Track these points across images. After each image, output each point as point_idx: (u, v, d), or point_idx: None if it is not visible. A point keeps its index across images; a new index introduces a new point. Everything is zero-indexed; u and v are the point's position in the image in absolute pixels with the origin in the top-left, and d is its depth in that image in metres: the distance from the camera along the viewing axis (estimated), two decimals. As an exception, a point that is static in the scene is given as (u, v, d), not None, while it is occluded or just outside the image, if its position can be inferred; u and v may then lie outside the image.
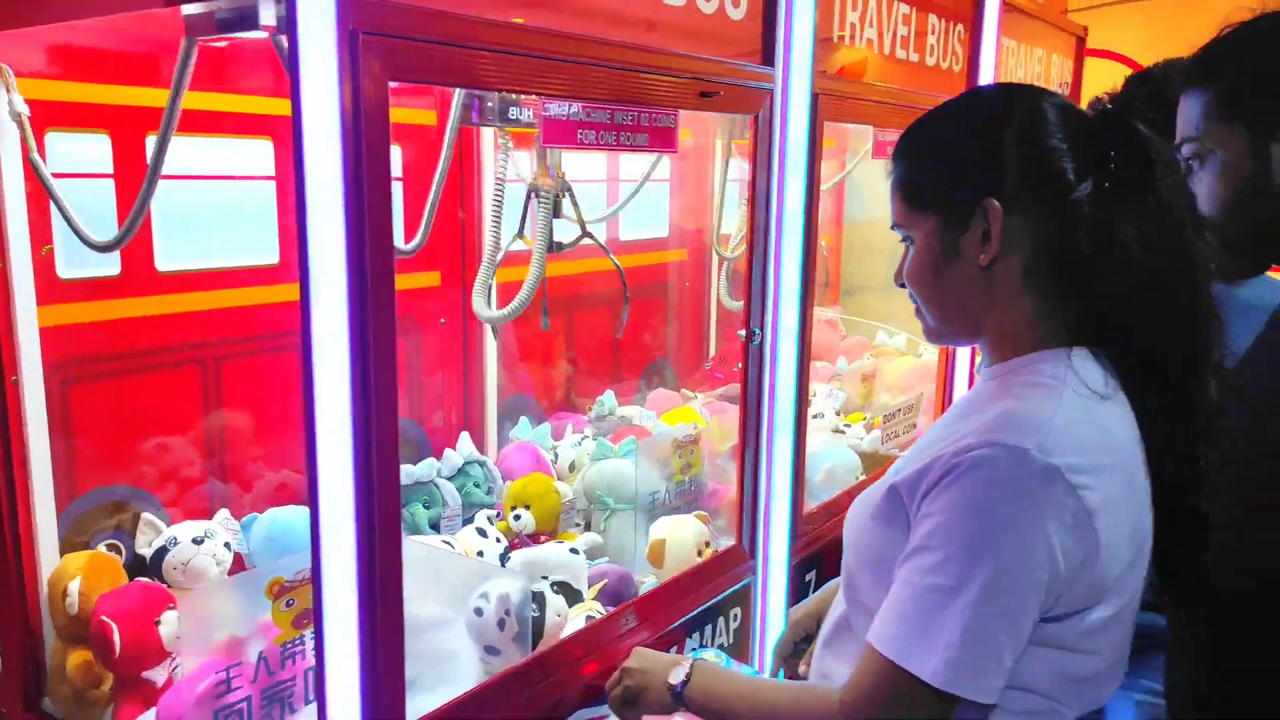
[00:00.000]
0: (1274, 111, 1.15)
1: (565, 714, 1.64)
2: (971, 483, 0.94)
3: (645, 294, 3.24)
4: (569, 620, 1.77)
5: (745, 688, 1.19)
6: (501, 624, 1.60)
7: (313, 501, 1.22)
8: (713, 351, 3.33)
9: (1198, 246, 1.00)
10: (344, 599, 1.24)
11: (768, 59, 1.83)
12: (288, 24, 1.08)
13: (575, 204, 1.83)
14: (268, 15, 1.08)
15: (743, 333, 1.94)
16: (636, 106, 1.54)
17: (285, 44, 1.08)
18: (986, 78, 2.67)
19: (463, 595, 1.67)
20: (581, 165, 2.81)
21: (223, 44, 1.66)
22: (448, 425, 2.57)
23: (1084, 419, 0.97)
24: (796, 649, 1.47)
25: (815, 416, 2.97)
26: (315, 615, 1.25)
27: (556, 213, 1.78)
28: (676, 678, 1.24)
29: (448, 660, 1.70)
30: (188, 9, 1.19)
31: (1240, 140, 1.17)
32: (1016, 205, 1.02)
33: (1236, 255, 1.25)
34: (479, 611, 1.62)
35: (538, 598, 1.66)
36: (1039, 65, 3.15)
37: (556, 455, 2.58)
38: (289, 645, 1.55)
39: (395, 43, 1.14)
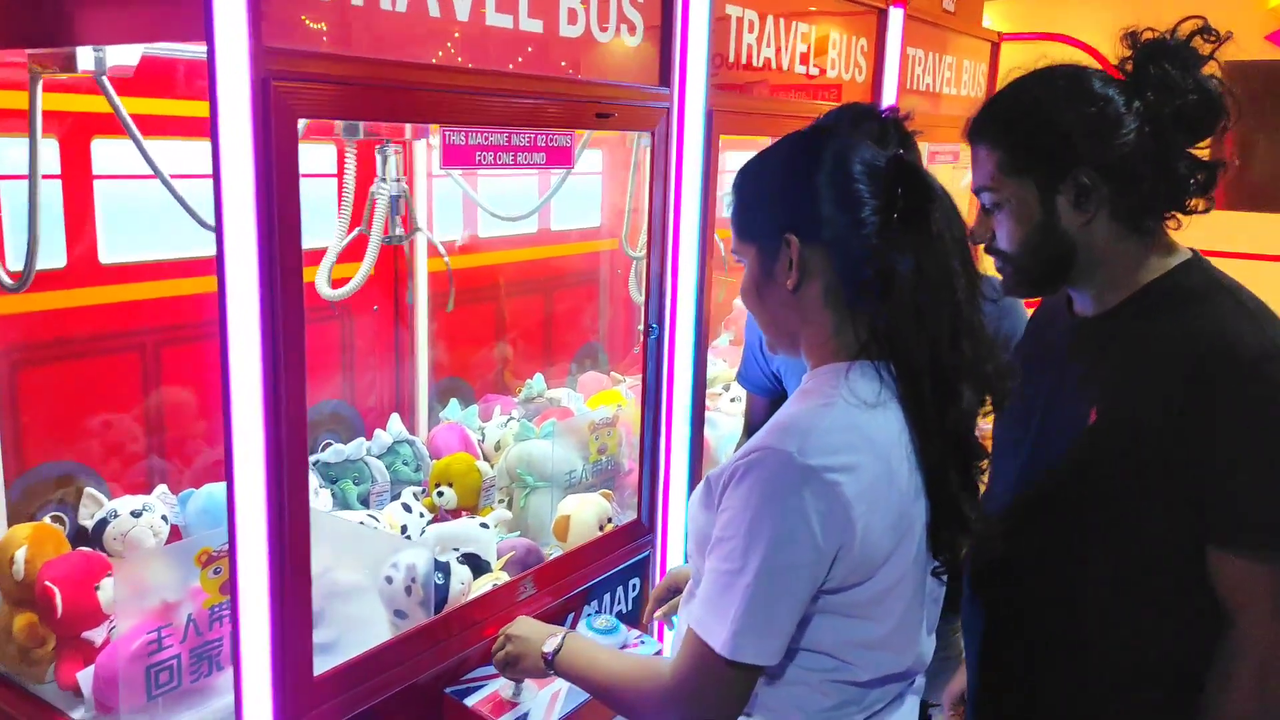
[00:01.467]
0: (1057, 168, 1.33)
1: (467, 671, 1.83)
2: (748, 481, 1.14)
3: (578, 281, 3.41)
4: (476, 589, 1.96)
5: (601, 658, 1.40)
6: (408, 590, 1.78)
7: (229, 476, 1.38)
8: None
9: (962, 276, 1.19)
10: (255, 567, 1.41)
11: (664, 80, 2.01)
12: (209, 71, 1.24)
13: (410, 206, 2.22)
14: (85, 62, 1.31)
15: (641, 327, 2.12)
16: (535, 129, 1.71)
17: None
18: (890, 87, 2.86)
19: (377, 565, 1.85)
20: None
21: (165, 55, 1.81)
22: (380, 407, 2.74)
23: (845, 425, 1.16)
24: (668, 596, 1.72)
25: (734, 400, 3.17)
26: (231, 582, 1.42)
27: (397, 210, 2.13)
28: (550, 647, 1.46)
29: (364, 624, 1.88)
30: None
31: (1030, 192, 1.35)
32: (814, 239, 1.21)
33: (1033, 282, 1.46)
34: (389, 579, 1.80)
35: (444, 567, 1.84)
36: (949, 72, 3.33)
37: (484, 435, 2.76)
38: (216, 609, 1.71)
39: (303, 87, 1.30)
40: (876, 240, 1.18)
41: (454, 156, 1.55)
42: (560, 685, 1.80)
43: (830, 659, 1.21)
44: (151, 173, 1.74)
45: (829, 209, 1.20)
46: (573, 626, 2.00)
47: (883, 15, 2.79)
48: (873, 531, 1.15)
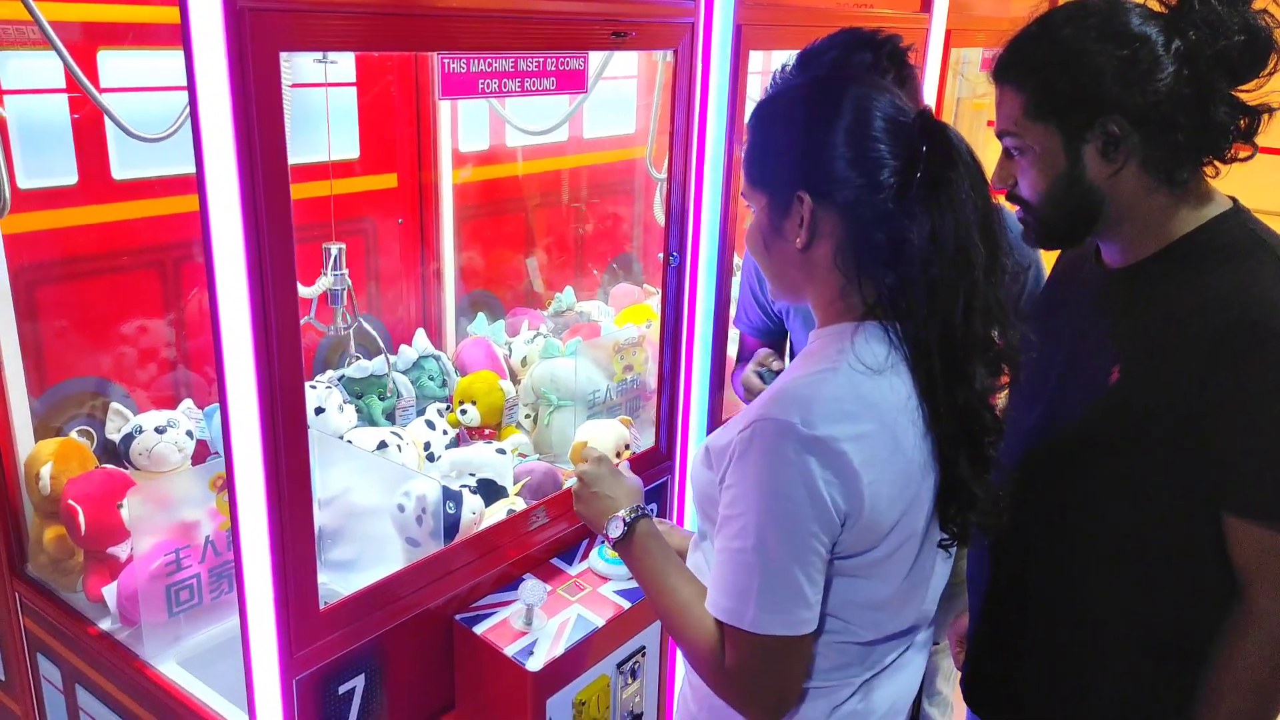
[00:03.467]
0: (1083, 114, 1.23)
1: (479, 598, 1.85)
2: (752, 454, 1.10)
3: (612, 190, 3.31)
4: (491, 514, 1.96)
5: (670, 580, 1.27)
6: (419, 520, 1.79)
7: (223, 410, 1.37)
8: (677, 247, 3.43)
9: (982, 248, 1.11)
10: (253, 501, 1.41)
11: (689, -10, 1.87)
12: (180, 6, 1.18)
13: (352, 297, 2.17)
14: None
15: (661, 255, 2.05)
16: (542, 53, 1.61)
17: None
18: (944, -7, 2.66)
19: (389, 491, 1.86)
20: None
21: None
22: (408, 321, 2.72)
23: (850, 394, 1.11)
24: None
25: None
26: (231, 516, 1.43)
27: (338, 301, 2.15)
28: (615, 531, 1.34)
29: (381, 544, 1.91)
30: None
31: (1055, 139, 1.26)
32: (828, 198, 1.13)
33: (1056, 235, 1.36)
34: (401, 508, 1.81)
35: (455, 496, 1.85)
36: (1015, -32, 3.08)
37: (510, 351, 2.74)
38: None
39: (282, 16, 1.22)
40: (893, 205, 1.10)
41: (454, 86, 1.47)
42: (569, 615, 1.82)
43: (833, 619, 1.18)
44: (156, 86, 1.70)
45: (846, 169, 1.12)
46: (586, 554, 2.01)
47: (940, -92, 2.57)
48: (880, 499, 1.11)
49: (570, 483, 2.13)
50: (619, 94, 3.07)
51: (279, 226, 1.29)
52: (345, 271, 2.03)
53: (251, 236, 1.27)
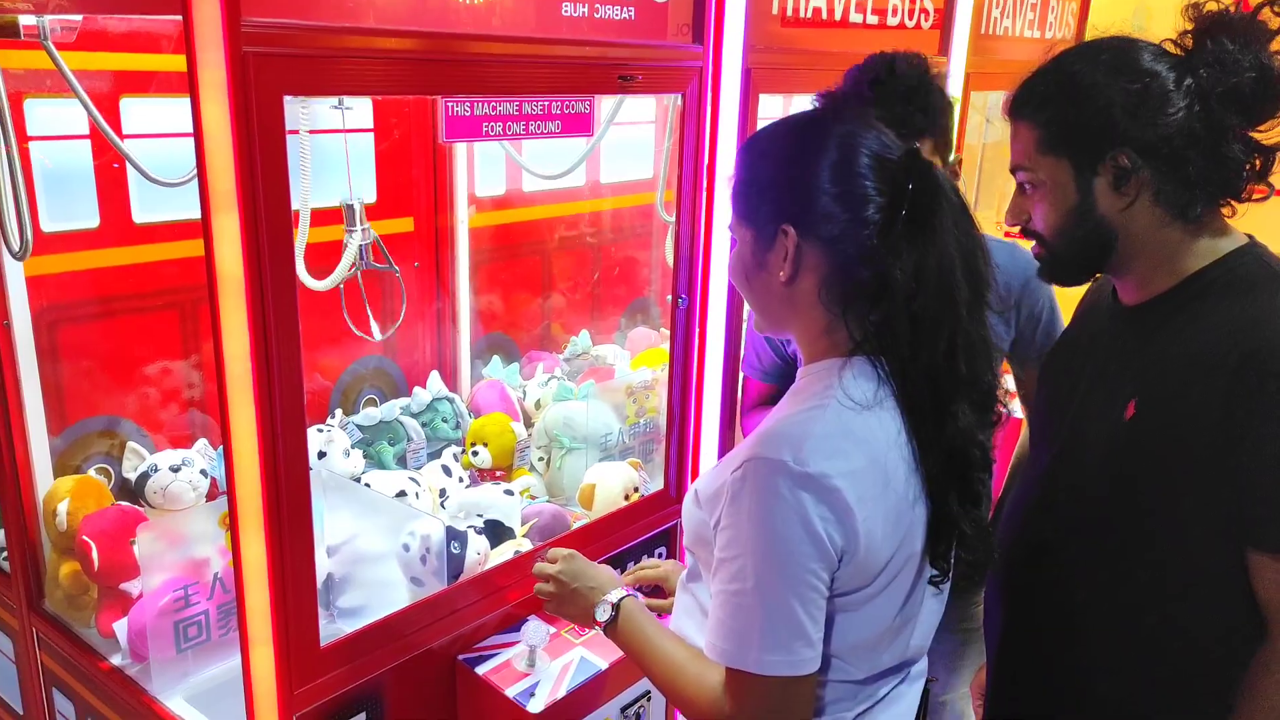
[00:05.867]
0: (1094, 147, 1.24)
1: (483, 638, 1.84)
2: (745, 494, 1.09)
3: (629, 234, 3.33)
4: (497, 555, 1.96)
5: (660, 648, 1.26)
6: (424, 559, 1.79)
7: (225, 440, 1.39)
8: (696, 291, 3.44)
9: (965, 287, 1.10)
10: (255, 541, 1.42)
11: (698, 37, 1.90)
12: (186, 45, 1.21)
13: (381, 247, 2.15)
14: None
15: (670, 297, 2.06)
16: (548, 97, 1.64)
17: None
18: (962, 34, 2.67)
19: (395, 533, 1.87)
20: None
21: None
22: (424, 363, 2.74)
23: (840, 431, 1.10)
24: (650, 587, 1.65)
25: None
26: (234, 555, 1.44)
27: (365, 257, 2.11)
28: (603, 616, 1.35)
29: (389, 588, 1.91)
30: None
31: (1067, 172, 1.27)
32: (812, 233, 1.13)
33: (1069, 269, 1.36)
34: (406, 548, 1.82)
35: (460, 536, 1.84)
36: (1033, 12, 3.10)
37: (525, 394, 2.75)
38: (240, 568, 1.76)
39: (285, 60, 1.26)
40: (877, 241, 1.10)
41: (457, 129, 1.50)
42: (572, 657, 1.80)
43: (828, 658, 1.16)
44: (177, 132, 1.74)
45: (831, 204, 1.12)
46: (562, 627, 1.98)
47: (953, -46, 2.60)
48: (874, 536, 1.10)
49: (579, 524, 2.14)
50: (636, 139, 3.10)
51: (282, 269, 1.31)
52: (368, 225, 2.06)
53: (254, 278, 1.29)
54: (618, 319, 3.32)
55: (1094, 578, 1.35)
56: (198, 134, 1.25)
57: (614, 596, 1.36)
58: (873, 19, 2.38)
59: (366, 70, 1.35)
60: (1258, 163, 1.22)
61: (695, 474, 2.20)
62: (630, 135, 3.13)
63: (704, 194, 2.01)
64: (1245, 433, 1.16)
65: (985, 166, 4.13)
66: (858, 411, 1.11)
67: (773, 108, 3.32)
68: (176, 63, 2.04)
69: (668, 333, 3.26)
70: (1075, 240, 1.30)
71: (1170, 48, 1.26)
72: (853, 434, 1.10)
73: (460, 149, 2.58)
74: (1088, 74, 1.25)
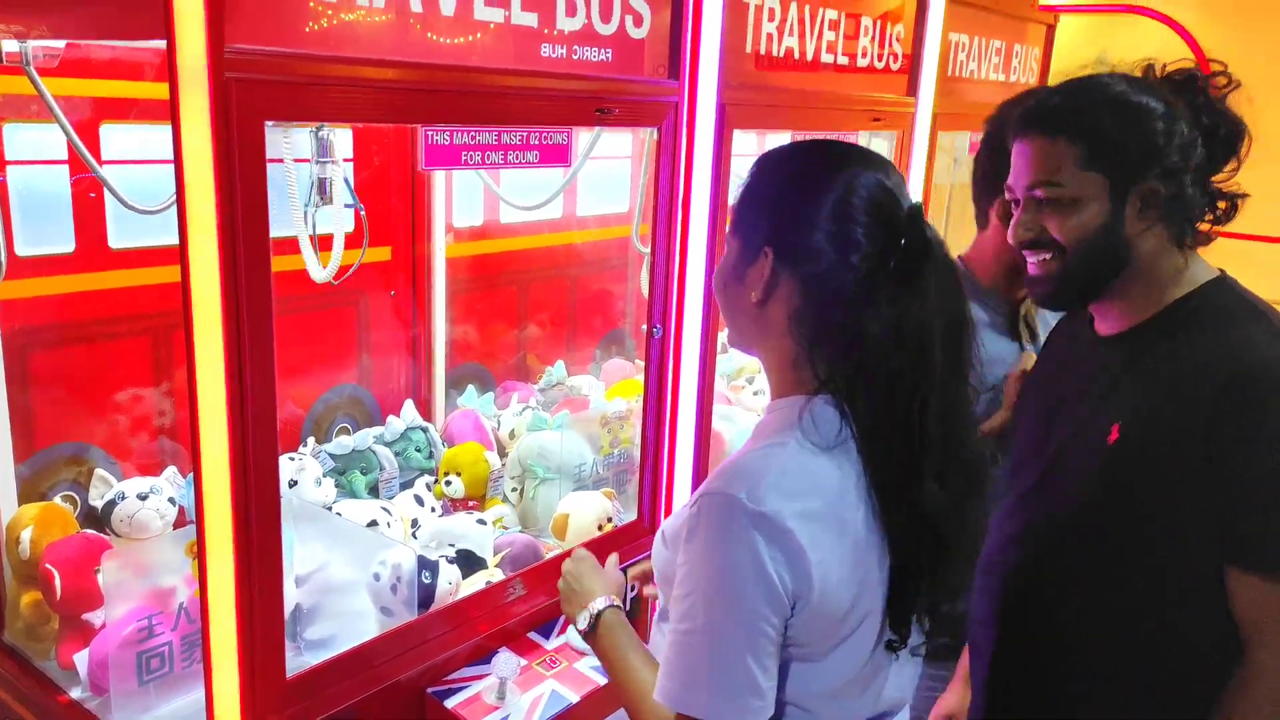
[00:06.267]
0: (1134, 171, 1.28)
1: (454, 670, 1.82)
2: (699, 530, 1.07)
3: (605, 266, 3.36)
4: (469, 585, 1.95)
5: (630, 663, 1.25)
6: (394, 589, 1.78)
7: (195, 468, 1.38)
8: (670, 324, 3.46)
9: (939, 350, 1.09)
10: (222, 569, 1.41)
11: (674, 72, 1.94)
12: (169, 70, 1.22)
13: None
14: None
15: (644, 327, 2.07)
16: (527, 128, 1.66)
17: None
18: (929, 75, 2.74)
19: (366, 562, 1.85)
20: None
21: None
22: (399, 392, 2.74)
23: (798, 470, 1.08)
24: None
25: (757, 393, 3.11)
26: (201, 583, 1.43)
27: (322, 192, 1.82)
28: (583, 623, 1.34)
29: (357, 620, 1.89)
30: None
31: (1103, 189, 1.30)
32: (791, 263, 1.12)
33: (1076, 286, 1.37)
34: (376, 577, 1.80)
35: (432, 566, 1.83)
36: (997, 57, 3.18)
37: (499, 423, 2.75)
38: (207, 598, 1.73)
39: (267, 86, 1.27)
40: (856, 288, 1.09)
41: (436, 157, 1.52)
42: (543, 690, 1.79)
43: (793, 708, 1.14)
44: (156, 159, 1.74)
45: (818, 240, 1.10)
46: (564, 629, 1.98)
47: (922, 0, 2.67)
48: (829, 582, 1.07)
49: (552, 554, 2.13)
50: (613, 172, 3.14)
51: (258, 293, 1.32)
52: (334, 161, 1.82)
53: (230, 302, 1.29)
54: (593, 350, 3.33)
55: (1086, 589, 1.37)
56: (178, 158, 1.25)
57: (597, 606, 1.33)
58: (843, 60, 2.44)
59: (348, 98, 1.36)
60: (1224, 206, 1.31)
61: (669, 504, 2.20)
62: (607, 169, 3.17)
63: (679, 226, 2.03)
64: (1229, 454, 1.20)
65: (953, 208, 4.20)
66: (816, 453, 1.09)
67: (747, 144, 3.38)
68: (156, 90, 2.05)
69: (643, 364, 3.28)
70: (1094, 256, 1.32)
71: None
72: (811, 474, 1.08)
73: (439, 179, 2.60)
74: (1134, 96, 1.29)
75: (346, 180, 1.82)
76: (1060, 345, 1.57)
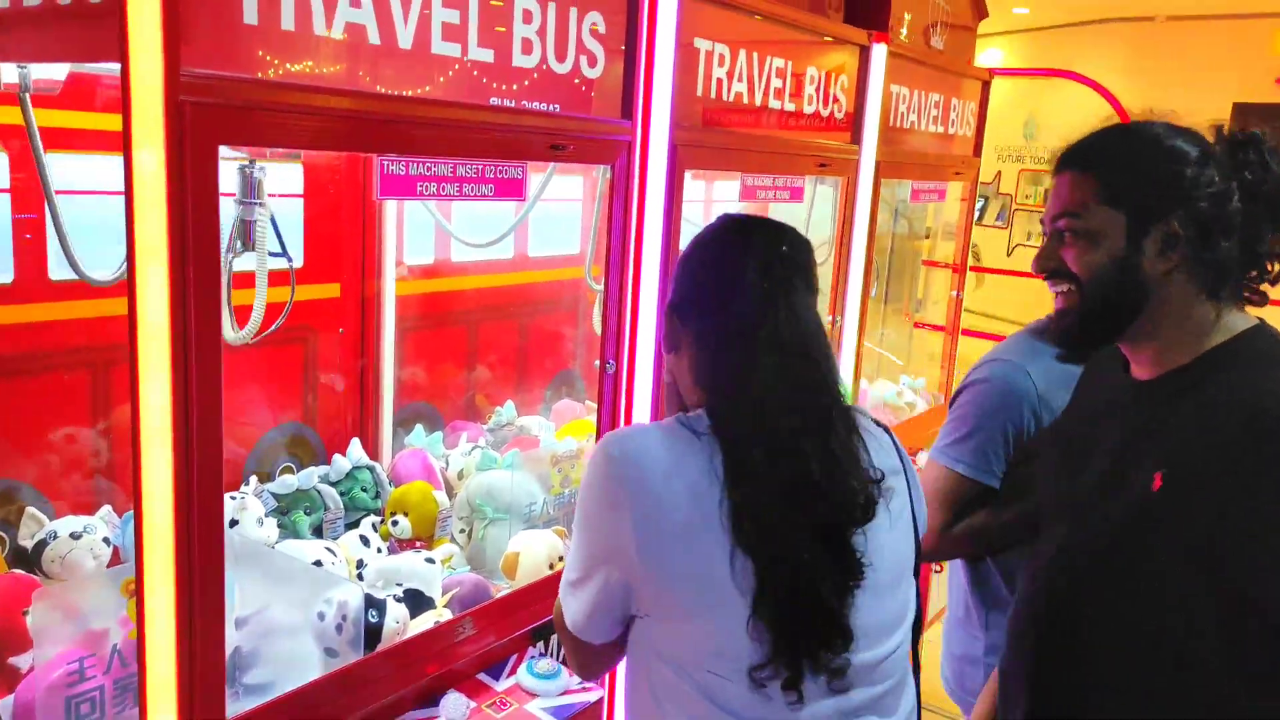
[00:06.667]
0: (1153, 209, 1.28)
1: (401, 713, 1.78)
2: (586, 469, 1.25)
3: (556, 308, 3.36)
4: (417, 626, 1.90)
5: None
6: (339, 628, 1.73)
7: (136, 513, 1.34)
8: (621, 365, 3.47)
9: (813, 391, 1.23)
10: (162, 602, 1.36)
11: (627, 112, 1.97)
12: (122, 93, 1.21)
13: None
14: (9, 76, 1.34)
15: (597, 363, 2.08)
16: (482, 161, 1.67)
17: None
18: (872, 125, 2.83)
19: (311, 601, 1.80)
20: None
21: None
22: (345, 431, 2.69)
23: (660, 444, 1.21)
24: None
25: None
26: (139, 621, 1.38)
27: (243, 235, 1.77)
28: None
29: (299, 663, 1.83)
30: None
31: (1120, 225, 1.30)
32: (690, 320, 1.30)
33: (1094, 322, 1.36)
34: (321, 616, 1.75)
35: (379, 605, 1.79)
36: (935, 110, 3.30)
37: (448, 463, 2.71)
38: (142, 639, 1.67)
39: (222, 110, 1.26)
40: (737, 337, 1.22)
41: (392, 186, 1.52)
42: (493, 732, 1.75)
43: (689, 675, 1.20)
44: (105, 189, 1.70)
45: (711, 303, 1.26)
46: (514, 669, 1.95)
47: (865, 51, 2.76)
48: (669, 553, 1.17)
49: (501, 594, 2.10)
50: (564, 214, 3.16)
51: (208, 319, 1.30)
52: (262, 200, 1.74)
53: (178, 328, 1.27)
54: (543, 391, 3.32)
55: (1124, 645, 1.32)
56: (128, 184, 1.23)
57: None
58: (790, 107, 2.50)
59: (303, 125, 1.36)
60: (1276, 267, 1.31)
61: (620, 542, 2.19)
62: (558, 211, 3.19)
63: (631, 263, 2.05)
64: (1239, 497, 1.17)
65: (894, 259, 4.28)
66: (685, 435, 1.21)
67: (696, 190, 3.43)
68: (102, 120, 2.02)
69: (593, 405, 3.28)
70: (1109, 290, 1.32)
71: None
72: (673, 447, 1.20)
73: (390, 216, 2.59)
74: (1163, 136, 1.31)
75: (274, 223, 1.76)
76: (1090, 393, 1.55)
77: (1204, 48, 10.17)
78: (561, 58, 1.79)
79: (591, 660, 1.37)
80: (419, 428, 2.74)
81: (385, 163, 1.50)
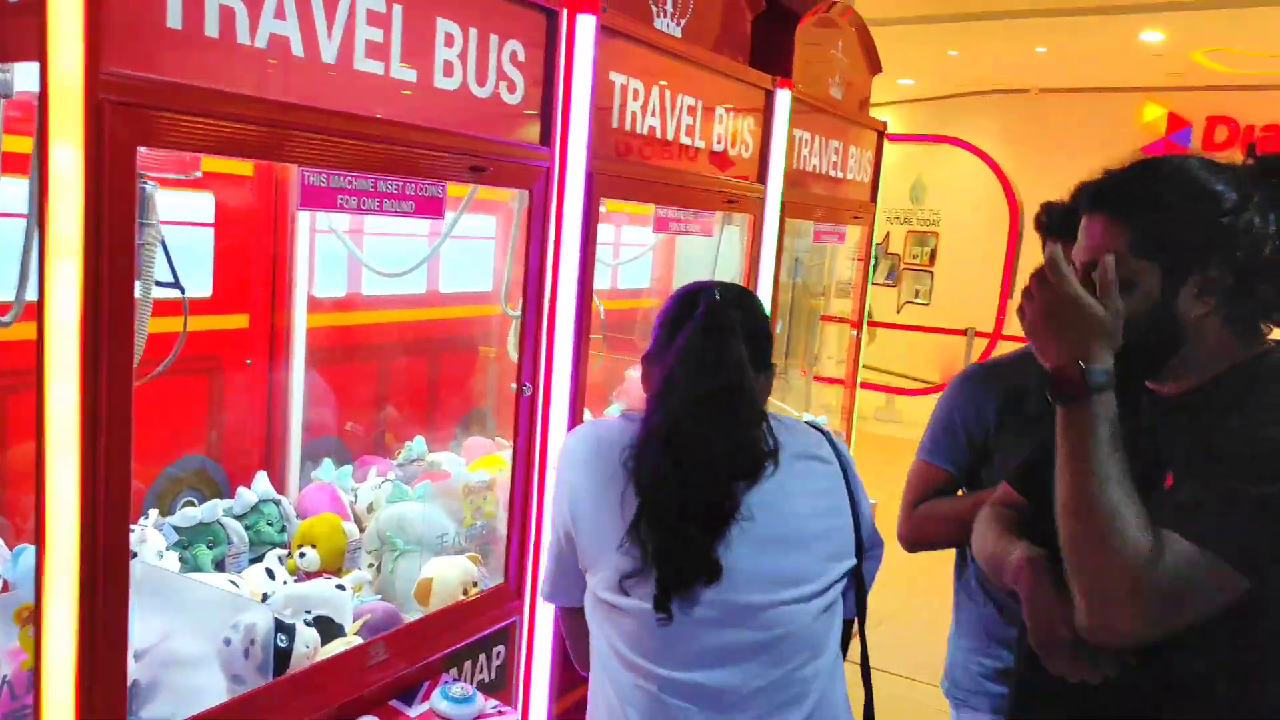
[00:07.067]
0: (1190, 258, 1.23)
1: (310, 742, 1.72)
2: None
3: (466, 344, 3.36)
4: (329, 652, 1.85)
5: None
6: (246, 653, 1.68)
7: (39, 533, 1.29)
8: (533, 402, 3.47)
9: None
10: (63, 632, 1.30)
11: (545, 139, 2.02)
12: (40, 90, 1.20)
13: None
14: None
15: (514, 385, 2.09)
16: (403, 178, 1.69)
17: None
18: (777, 165, 2.95)
19: (217, 628, 1.74)
20: (399, 223, 2.95)
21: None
22: (250, 465, 2.62)
23: (599, 431, 1.56)
24: None
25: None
26: (35, 654, 1.32)
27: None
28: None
29: (203, 696, 1.76)
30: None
31: (1156, 276, 1.25)
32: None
33: (1125, 365, 1.27)
34: (227, 641, 1.70)
35: (288, 629, 1.74)
36: (835, 155, 3.46)
37: (356, 497, 2.66)
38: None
39: (141, 112, 1.26)
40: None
41: (313, 198, 1.52)
42: (408, 757, 1.71)
43: (600, 624, 1.48)
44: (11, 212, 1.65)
45: (662, 339, 1.50)
46: (427, 695, 1.91)
47: (770, 95, 2.89)
48: (582, 521, 1.49)
49: (414, 617, 2.06)
50: (476, 251, 3.18)
51: (121, 317, 1.27)
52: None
53: (89, 325, 1.24)
54: (453, 429, 3.29)
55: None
56: (43, 183, 1.21)
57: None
58: (700, 143, 2.60)
59: (223, 132, 1.36)
60: None
61: (536, 565, 2.18)
62: (470, 247, 3.21)
63: (549, 288, 2.08)
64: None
65: (795, 310, 4.40)
66: (631, 418, 1.49)
67: (606, 234, 3.50)
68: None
69: (504, 441, 3.27)
70: (1145, 334, 1.26)
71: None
72: (620, 427, 1.50)
73: (302, 247, 2.56)
74: (1198, 179, 1.24)
75: (165, 247, 1.70)
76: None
77: (1075, 118, 10.91)
78: (482, 82, 1.83)
79: (573, 637, 1.62)
80: (327, 461, 2.69)
81: (307, 174, 1.51)
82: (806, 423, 1.65)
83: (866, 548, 1.53)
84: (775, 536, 1.41)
